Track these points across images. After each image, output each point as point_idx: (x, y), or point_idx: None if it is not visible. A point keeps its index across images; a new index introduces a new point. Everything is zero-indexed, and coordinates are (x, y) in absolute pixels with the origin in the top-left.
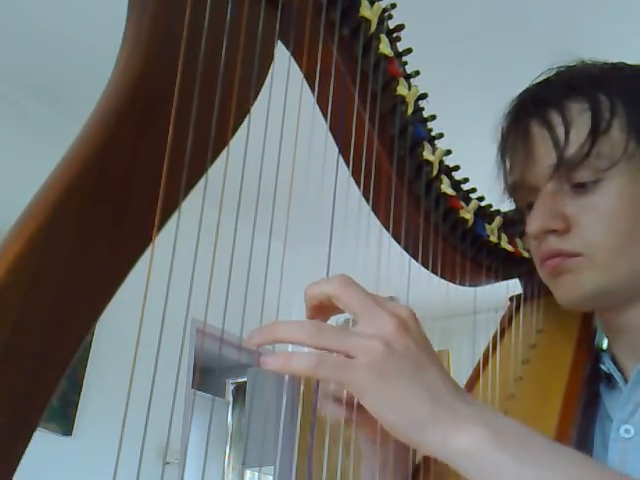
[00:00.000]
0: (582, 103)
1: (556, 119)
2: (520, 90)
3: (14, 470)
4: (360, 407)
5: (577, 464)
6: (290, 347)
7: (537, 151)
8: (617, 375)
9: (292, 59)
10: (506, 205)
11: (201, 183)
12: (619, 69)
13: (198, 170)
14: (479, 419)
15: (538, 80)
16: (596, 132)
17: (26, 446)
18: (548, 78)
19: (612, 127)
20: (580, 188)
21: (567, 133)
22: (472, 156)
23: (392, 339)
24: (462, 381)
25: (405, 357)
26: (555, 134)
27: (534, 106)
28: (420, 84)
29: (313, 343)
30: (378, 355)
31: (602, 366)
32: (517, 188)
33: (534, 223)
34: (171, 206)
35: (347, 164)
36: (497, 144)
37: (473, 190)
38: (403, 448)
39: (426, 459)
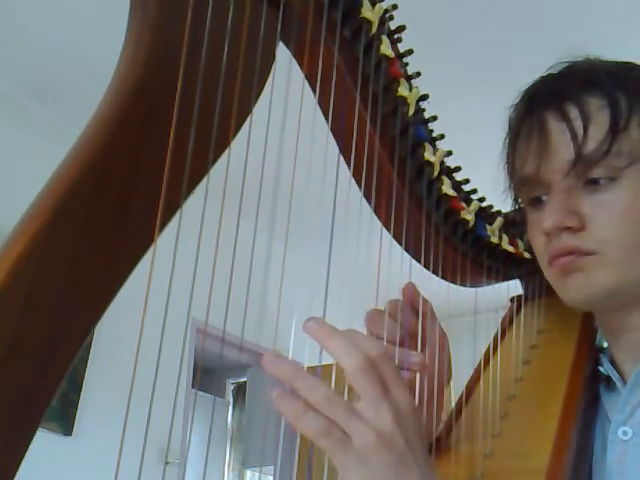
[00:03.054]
0: (600, 99)
1: (574, 113)
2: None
3: (16, 470)
4: None
5: None
6: (291, 348)
7: (553, 145)
8: (615, 377)
9: (293, 60)
10: (507, 206)
11: (202, 184)
12: (634, 68)
13: (199, 171)
14: None
15: (550, 72)
16: (616, 129)
17: (28, 446)
18: (562, 71)
19: (630, 125)
20: (594, 185)
21: (586, 128)
22: (473, 157)
23: (388, 432)
24: (462, 382)
25: (393, 452)
26: (573, 128)
27: (550, 98)
28: (421, 84)
29: (320, 408)
30: (371, 445)
31: (600, 368)
32: (525, 182)
33: (550, 219)
34: (172, 207)
35: (348, 165)
36: (505, 136)
37: (474, 191)
38: (428, 423)
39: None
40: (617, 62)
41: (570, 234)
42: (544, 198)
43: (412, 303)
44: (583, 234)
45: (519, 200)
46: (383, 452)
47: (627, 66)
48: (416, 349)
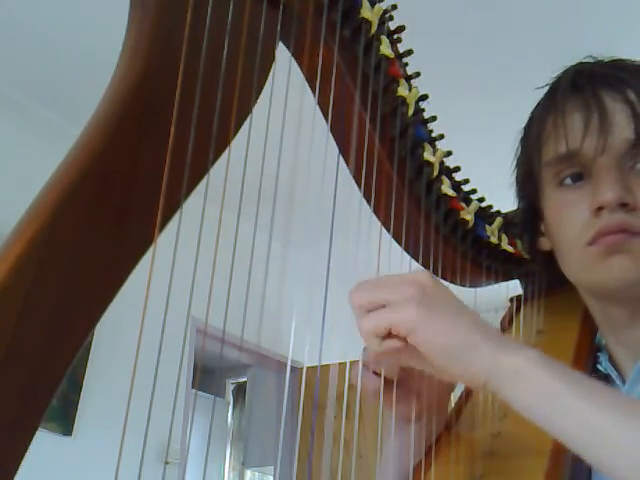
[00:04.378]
0: None
1: (632, 96)
2: (521, 89)
3: (16, 470)
4: (397, 384)
5: (614, 395)
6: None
7: (614, 122)
8: (614, 375)
9: (293, 60)
10: (507, 206)
11: (202, 183)
12: None
13: (199, 171)
14: (526, 346)
15: (594, 60)
16: None
17: (27, 446)
18: (608, 61)
19: None
20: None
21: None
22: (473, 157)
23: (424, 285)
24: None
25: (441, 295)
26: (635, 109)
27: (609, 79)
28: (421, 84)
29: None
30: (417, 291)
31: (599, 366)
32: (565, 158)
33: (610, 193)
34: (172, 206)
35: (348, 165)
36: (538, 113)
37: (474, 191)
38: (428, 426)
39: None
40: None
41: (624, 212)
42: (580, 177)
43: None
44: (637, 214)
45: (530, 187)
46: (432, 294)
47: None
48: None
